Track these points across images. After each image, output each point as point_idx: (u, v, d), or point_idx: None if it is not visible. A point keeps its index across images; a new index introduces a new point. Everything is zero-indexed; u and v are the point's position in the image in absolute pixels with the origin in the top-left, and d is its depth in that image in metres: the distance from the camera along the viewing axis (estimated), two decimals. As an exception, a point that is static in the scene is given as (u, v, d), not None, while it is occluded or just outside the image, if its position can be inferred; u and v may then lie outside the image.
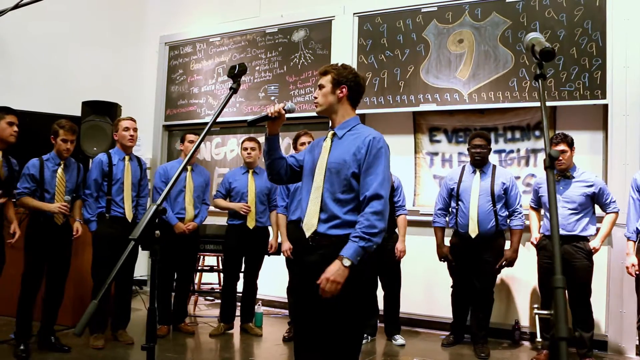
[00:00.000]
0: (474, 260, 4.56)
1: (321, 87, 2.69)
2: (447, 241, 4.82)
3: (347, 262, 2.38)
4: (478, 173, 4.61)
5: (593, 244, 4.29)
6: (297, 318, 2.70)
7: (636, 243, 4.08)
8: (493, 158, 5.31)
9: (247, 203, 4.91)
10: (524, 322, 5.00)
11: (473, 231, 4.52)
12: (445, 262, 4.80)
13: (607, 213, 4.36)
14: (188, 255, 5.08)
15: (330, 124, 2.74)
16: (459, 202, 4.63)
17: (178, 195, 4.94)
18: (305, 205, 2.63)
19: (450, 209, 4.74)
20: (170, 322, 5.00)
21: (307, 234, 2.57)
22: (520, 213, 4.57)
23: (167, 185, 4.85)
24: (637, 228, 4.06)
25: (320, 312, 2.49)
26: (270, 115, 2.58)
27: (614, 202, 4.35)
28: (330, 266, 2.39)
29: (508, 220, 4.60)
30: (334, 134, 2.67)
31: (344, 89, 2.65)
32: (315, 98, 2.71)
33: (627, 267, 4.08)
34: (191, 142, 5.03)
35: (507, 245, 4.62)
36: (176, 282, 5.10)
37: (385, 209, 2.48)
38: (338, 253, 2.41)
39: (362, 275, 2.48)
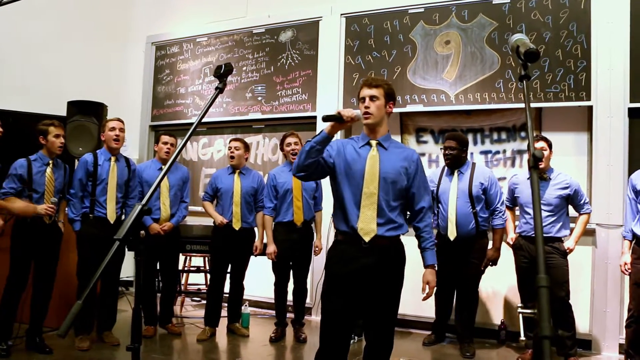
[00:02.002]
0: (456, 262, 4.55)
1: (374, 98, 2.80)
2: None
3: (436, 267, 2.87)
4: (455, 174, 4.61)
5: (567, 244, 4.32)
6: (334, 317, 2.80)
7: (631, 242, 4.12)
8: (479, 159, 5.35)
9: (232, 207, 4.89)
10: (510, 321, 5.03)
11: (452, 233, 4.52)
12: None
13: (581, 214, 4.40)
14: (169, 256, 5.04)
15: (366, 133, 2.88)
16: (439, 204, 4.65)
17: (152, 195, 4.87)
18: (353, 209, 2.77)
19: (433, 210, 4.75)
20: (156, 323, 4.97)
21: (367, 238, 2.74)
22: (501, 212, 4.58)
23: (140, 185, 4.86)
24: (631, 229, 4.09)
25: (378, 307, 2.81)
26: (344, 118, 2.62)
27: (587, 203, 4.41)
28: (429, 276, 2.85)
29: (490, 220, 4.61)
30: (379, 144, 2.85)
31: (392, 105, 2.89)
32: (367, 108, 2.80)
33: (621, 265, 4.13)
34: (165, 143, 4.98)
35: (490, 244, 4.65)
36: (161, 284, 5.07)
37: None
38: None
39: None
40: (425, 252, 2.88)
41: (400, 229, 2.83)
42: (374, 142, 2.85)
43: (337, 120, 2.63)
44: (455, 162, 4.60)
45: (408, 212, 2.95)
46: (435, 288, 2.88)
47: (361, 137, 2.91)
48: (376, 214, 2.75)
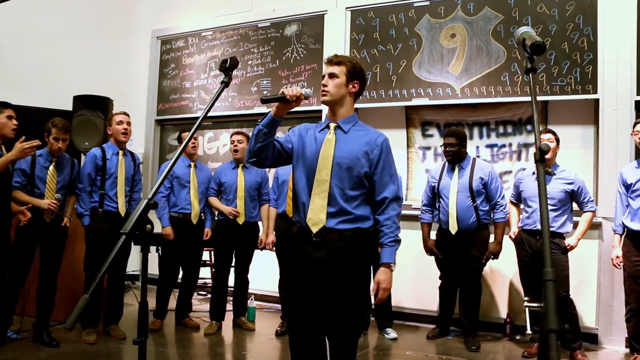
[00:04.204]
0: (458, 255, 4.59)
1: (333, 76, 2.57)
2: (433, 235, 4.85)
3: (393, 268, 2.50)
4: (456, 169, 4.63)
5: (569, 241, 4.29)
6: (295, 314, 2.64)
7: (622, 236, 4.14)
8: (485, 152, 5.34)
9: (237, 201, 4.90)
10: (516, 315, 5.02)
11: (453, 227, 4.56)
12: (433, 256, 4.84)
13: (584, 212, 4.37)
14: (194, 252, 5.13)
15: (328, 115, 2.68)
16: (440, 199, 4.67)
17: (182, 191, 4.93)
18: (304, 198, 2.55)
19: (436, 205, 4.76)
20: (164, 317, 5.00)
21: (314, 229, 2.49)
22: (502, 206, 4.58)
23: (170, 183, 4.92)
24: (622, 222, 4.12)
25: (332, 306, 2.51)
26: (288, 98, 2.44)
27: (592, 201, 4.38)
28: (381, 275, 2.48)
29: (491, 214, 4.62)
30: (338, 127, 2.61)
31: (356, 84, 2.62)
32: (325, 86, 2.58)
33: (612, 259, 4.16)
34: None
35: (492, 238, 4.64)
36: (182, 278, 5.14)
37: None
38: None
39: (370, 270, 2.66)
40: (382, 248, 2.51)
41: (357, 221, 2.51)
42: (332, 125, 2.61)
43: (281, 100, 2.46)
44: (456, 157, 4.62)
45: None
46: (389, 290, 2.50)
47: (324, 120, 2.68)
48: (327, 203, 2.48)
